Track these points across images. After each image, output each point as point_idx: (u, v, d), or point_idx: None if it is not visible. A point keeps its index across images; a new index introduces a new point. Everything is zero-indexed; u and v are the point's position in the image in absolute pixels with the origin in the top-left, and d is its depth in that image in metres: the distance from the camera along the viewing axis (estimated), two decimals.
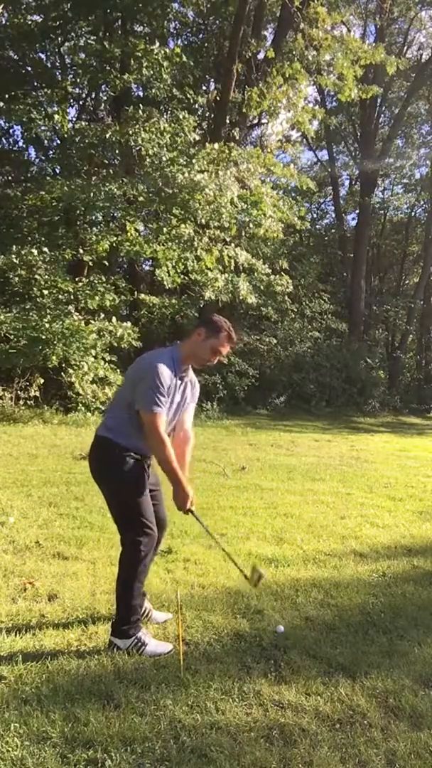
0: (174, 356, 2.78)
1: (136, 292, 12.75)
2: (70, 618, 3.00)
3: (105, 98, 15.94)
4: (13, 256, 10.53)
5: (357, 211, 23.61)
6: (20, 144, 16.24)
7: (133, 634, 2.71)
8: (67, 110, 13.70)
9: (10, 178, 15.76)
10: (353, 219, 24.94)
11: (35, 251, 10.77)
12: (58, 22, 13.62)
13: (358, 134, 23.06)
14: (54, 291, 10.85)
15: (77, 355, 10.66)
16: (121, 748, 2.04)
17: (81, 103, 16.35)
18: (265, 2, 16.55)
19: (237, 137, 14.32)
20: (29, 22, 13.49)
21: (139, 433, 2.75)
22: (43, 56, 14.51)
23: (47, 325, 10.21)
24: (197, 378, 3.06)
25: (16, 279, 10.70)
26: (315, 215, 25.45)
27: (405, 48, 22.03)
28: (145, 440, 2.75)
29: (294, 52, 14.43)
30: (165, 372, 2.70)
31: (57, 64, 14.70)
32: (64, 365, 10.90)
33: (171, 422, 2.86)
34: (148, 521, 2.78)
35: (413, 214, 26.16)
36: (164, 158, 11.57)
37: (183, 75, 13.90)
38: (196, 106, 15.83)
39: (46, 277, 10.76)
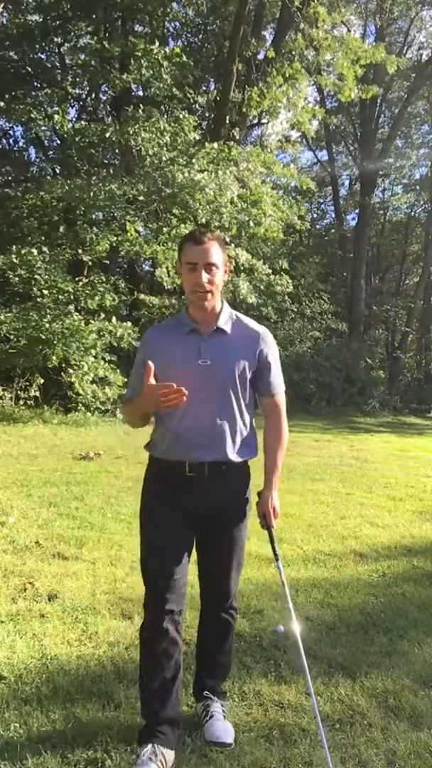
0: (182, 310, 2.16)
1: (136, 292, 12.74)
2: (70, 618, 3.00)
3: (105, 98, 15.94)
4: (13, 256, 10.52)
5: (357, 211, 23.59)
6: (20, 144, 16.28)
7: (141, 742, 1.97)
8: (67, 110, 13.68)
9: (10, 178, 15.75)
10: (353, 219, 24.94)
11: (35, 251, 10.76)
12: (58, 22, 13.61)
13: (358, 134, 23.05)
14: (54, 291, 10.84)
15: (77, 355, 10.65)
16: (121, 748, 2.04)
17: (81, 103, 16.34)
18: (265, 2, 16.54)
19: (237, 137, 14.31)
20: (29, 22, 13.48)
21: (166, 431, 2.07)
22: (43, 56, 14.51)
23: (47, 325, 10.19)
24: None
25: (16, 279, 10.68)
26: (315, 215, 25.42)
27: (405, 48, 22.01)
28: (175, 439, 2.04)
29: (294, 52, 14.42)
30: (148, 336, 2.18)
31: (57, 64, 14.69)
32: (64, 365, 10.88)
33: (198, 389, 1.96)
34: (153, 580, 2.02)
35: (413, 214, 26.14)
36: (164, 158, 11.56)
37: (183, 75, 13.87)
38: (196, 106, 15.81)
39: (46, 277, 10.75)
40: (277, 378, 2.16)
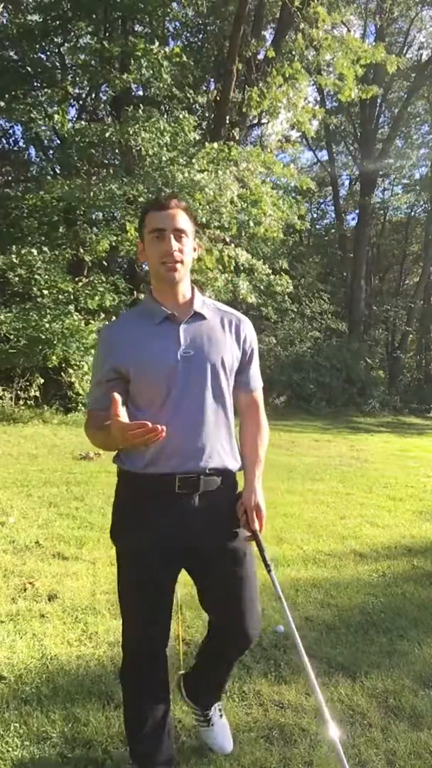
0: (145, 299, 1.86)
1: (136, 292, 12.75)
2: (70, 618, 3.00)
3: (105, 98, 15.95)
4: (13, 256, 10.53)
5: (357, 211, 23.62)
6: (20, 144, 16.28)
7: None
8: (67, 110, 13.70)
9: (10, 178, 15.75)
10: (353, 219, 24.98)
11: (35, 251, 10.77)
12: (58, 22, 13.62)
13: (358, 134, 23.07)
14: (54, 291, 10.85)
15: (77, 355, 10.66)
16: (121, 748, 2.04)
17: (81, 103, 16.35)
18: (265, 2, 16.55)
19: (237, 137, 14.31)
20: (29, 22, 13.49)
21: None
22: (43, 56, 14.51)
23: (47, 325, 10.21)
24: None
25: (16, 279, 10.70)
26: (315, 215, 25.46)
27: (405, 48, 22.03)
28: (161, 448, 1.67)
29: (294, 52, 14.43)
30: (110, 336, 1.80)
31: (57, 64, 14.70)
32: (64, 365, 10.89)
33: (183, 387, 1.70)
34: (132, 623, 1.79)
35: (413, 214, 26.16)
36: (164, 158, 11.57)
37: (183, 75, 13.88)
38: (196, 106, 15.82)
39: (46, 276, 10.76)
40: (257, 371, 1.92)
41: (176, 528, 1.71)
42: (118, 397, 1.51)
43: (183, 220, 1.73)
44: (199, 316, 1.78)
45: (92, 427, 1.73)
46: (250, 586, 1.80)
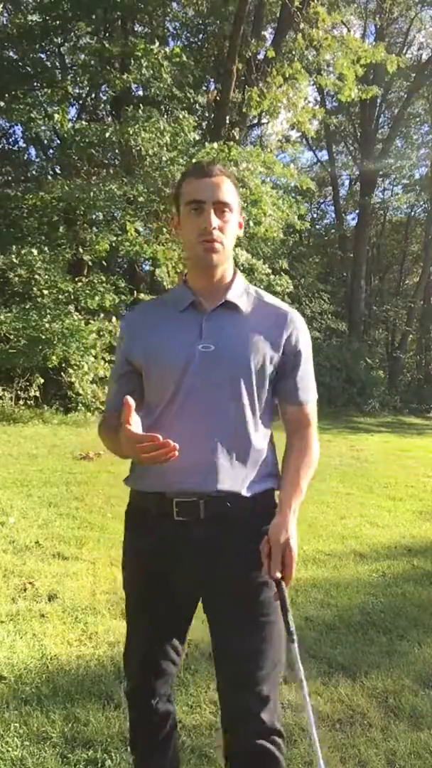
0: (178, 283, 1.64)
1: (136, 292, 12.77)
2: (70, 618, 3.00)
3: (105, 98, 15.95)
4: (13, 256, 10.54)
5: (357, 211, 23.62)
6: (20, 144, 16.29)
7: None
8: (67, 110, 13.70)
9: (10, 178, 15.75)
10: (353, 219, 24.96)
11: (35, 251, 10.77)
12: (58, 22, 13.63)
13: (358, 134, 23.08)
14: (54, 291, 10.86)
15: (77, 355, 10.67)
16: (121, 748, 2.04)
17: (81, 103, 16.36)
18: (265, 2, 16.55)
19: (237, 137, 14.31)
20: (29, 22, 13.50)
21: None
22: (43, 56, 14.53)
23: (47, 325, 10.21)
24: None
25: (16, 279, 10.70)
26: (315, 215, 25.44)
27: (405, 48, 22.03)
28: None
29: (294, 52, 14.43)
30: (129, 321, 1.61)
31: (57, 64, 14.71)
32: (64, 365, 10.90)
33: (197, 387, 1.43)
34: (129, 653, 1.61)
35: (413, 214, 26.17)
36: (164, 158, 11.57)
37: (183, 75, 13.88)
38: (196, 106, 15.82)
39: (46, 276, 10.76)
40: (307, 379, 1.55)
41: (177, 566, 1.46)
42: (131, 401, 1.29)
43: (228, 191, 1.45)
44: (231, 306, 1.48)
45: (104, 431, 1.54)
46: (265, 639, 1.40)
